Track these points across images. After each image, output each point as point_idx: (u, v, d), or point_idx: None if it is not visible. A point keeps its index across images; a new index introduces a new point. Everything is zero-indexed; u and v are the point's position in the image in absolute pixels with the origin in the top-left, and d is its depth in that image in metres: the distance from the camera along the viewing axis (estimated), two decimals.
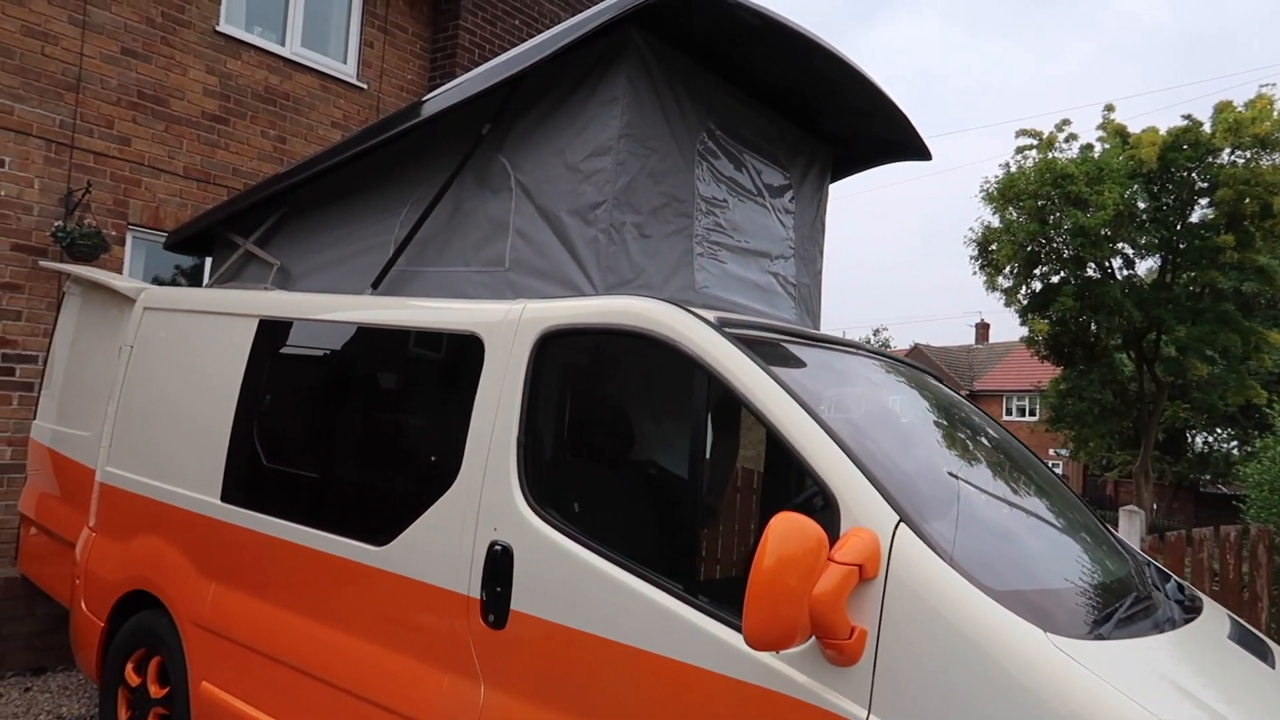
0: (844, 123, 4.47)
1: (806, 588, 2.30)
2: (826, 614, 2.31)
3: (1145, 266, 19.97)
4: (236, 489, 4.16)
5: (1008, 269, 19.67)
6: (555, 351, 3.28)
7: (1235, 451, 29.57)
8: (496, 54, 10.70)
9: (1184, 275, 18.50)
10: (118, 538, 4.77)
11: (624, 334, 3.08)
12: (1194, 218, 18.46)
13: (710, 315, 2.99)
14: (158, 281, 7.95)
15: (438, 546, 3.33)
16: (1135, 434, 21.17)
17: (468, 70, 10.38)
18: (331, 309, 4.01)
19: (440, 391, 3.59)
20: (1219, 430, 29.23)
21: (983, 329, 56.34)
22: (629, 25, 3.52)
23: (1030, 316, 19.69)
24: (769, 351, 2.94)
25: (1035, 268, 19.39)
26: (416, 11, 10.32)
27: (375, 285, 4.17)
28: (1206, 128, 17.83)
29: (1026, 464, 3.55)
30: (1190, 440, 30.56)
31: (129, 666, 4.59)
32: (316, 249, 4.57)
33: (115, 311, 5.27)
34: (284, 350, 4.18)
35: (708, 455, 2.75)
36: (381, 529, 3.52)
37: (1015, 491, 3.21)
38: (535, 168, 3.77)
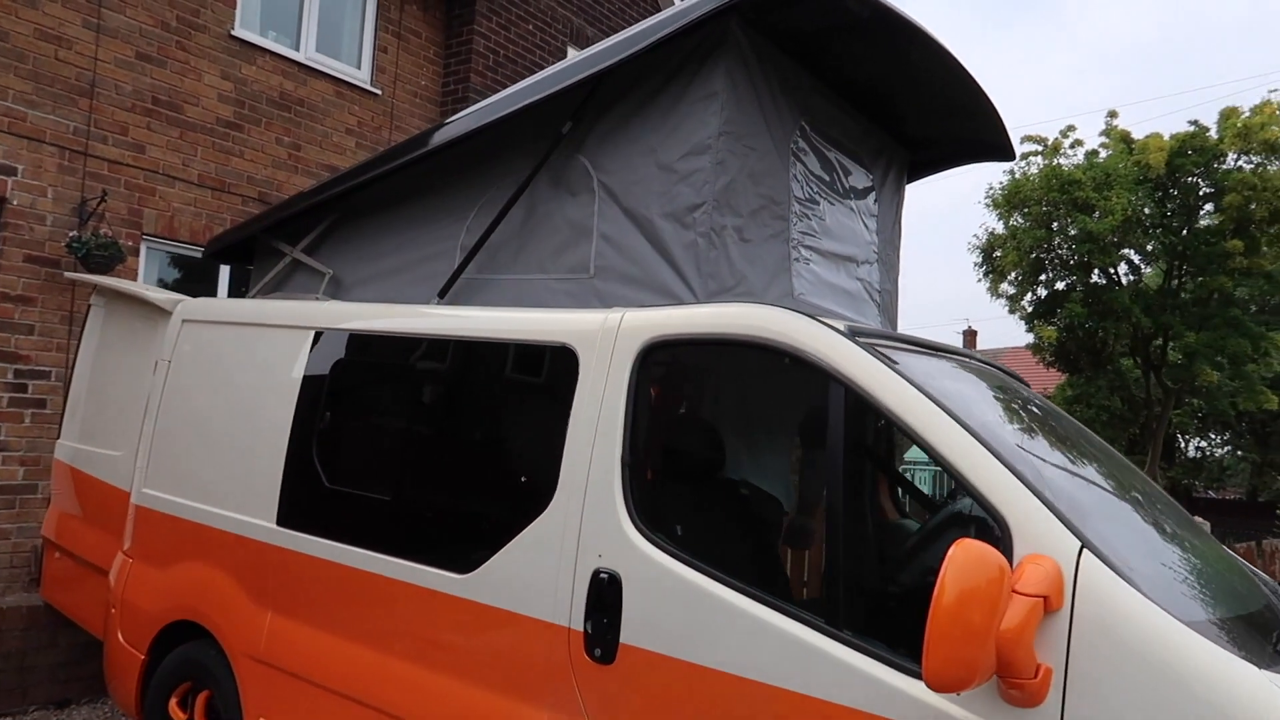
0: (927, 122, 4.29)
1: (991, 624, 2.10)
2: (1014, 652, 2.11)
3: (1150, 273, 19.95)
4: (295, 512, 3.93)
5: (1012, 275, 19.58)
6: (661, 363, 3.08)
7: (1229, 458, 29.64)
8: (511, 59, 10.51)
9: (1191, 281, 18.46)
10: (158, 564, 4.51)
11: (743, 344, 2.88)
12: (1200, 224, 18.44)
13: (840, 324, 2.80)
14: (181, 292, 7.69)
15: (531, 574, 3.11)
16: (1142, 440, 21.11)
17: (482, 76, 10.19)
18: (401, 319, 3.79)
19: (529, 408, 3.37)
20: (1212, 436, 29.28)
21: (970, 336, 56.47)
22: (729, 18, 3.33)
23: (1036, 323, 19.60)
24: (906, 363, 2.75)
25: (1040, 274, 19.31)
26: (430, 16, 10.12)
27: (442, 294, 3.95)
28: (1212, 134, 17.83)
29: (1146, 482, 3.37)
30: (1183, 446, 30.63)
31: (173, 701, 4.34)
32: (372, 257, 4.35)
33: (147, 325, 5.02)
34: (346, 364, 3.95)
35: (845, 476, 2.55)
36: (465, 555, 3.30)
37: (1154, 512, 3.02)
38: (621, 168, 3.57)
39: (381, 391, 3.86)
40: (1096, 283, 18.89)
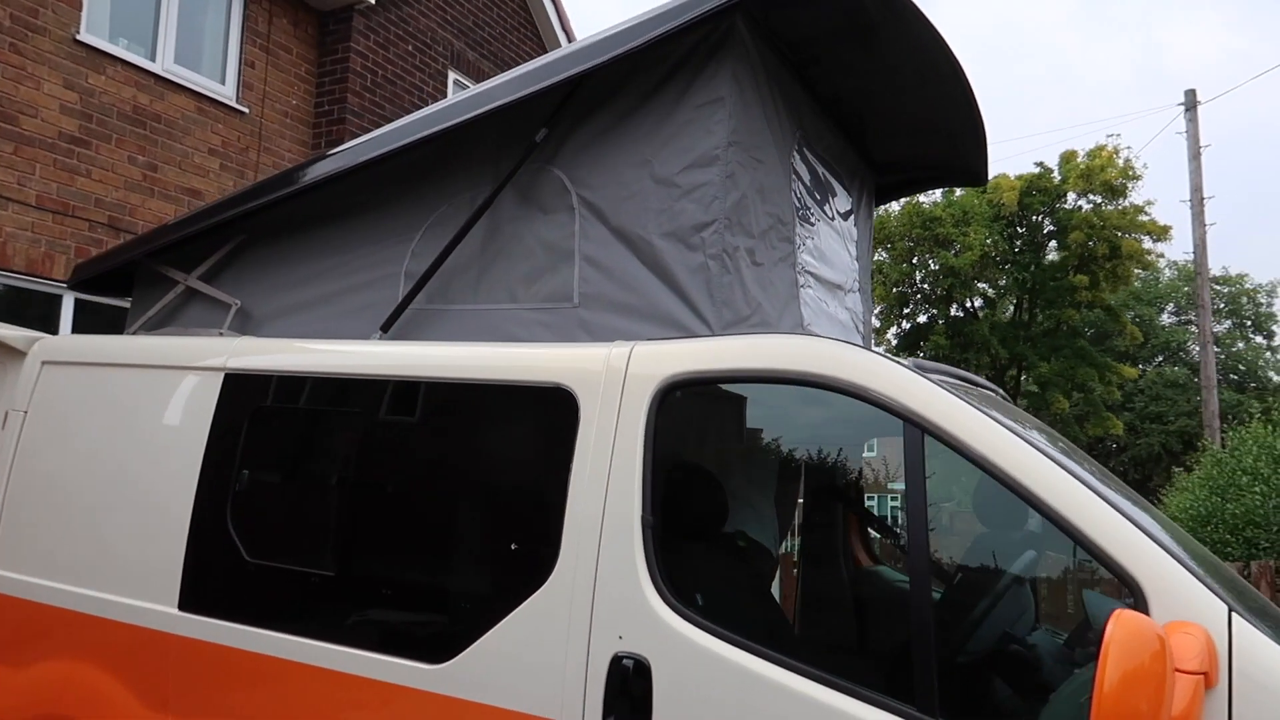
0: (900, 143, 4.07)
1: (1157, 709, 1.78)
2: None
3: (1001, 307, 20.98)
4: (203, 593, 3.24)
5: (878, 309, 20.17)
6: (683, 405, 2.65)
7: None
8: (390, 80, 9.89)
9: (1041, 313, 19.50)
10: (12, 662, 3.67)
11: (790, 382, 2.49)
12: (1047, 259, 19.55)
13: (905, 360, 2.45)
14: None
15: (529, 660, 2.60)
16: None
17: (359, 96, 9.53)
18: (345, 358, 3.20)
19: (516, 461, 2.86)
20: None
21: None
22: (733, 15, 2.97)
23: (902, 355, 20.23)
24: (986, 403, 2.42)
25: (905, 307, 19.96)
26: (301, 32, 9.40)
27: (386, 328, 3.38)
28: (1055, 175, 18.99)
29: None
30: None
31: None
32: (289, 285, 3.72)
33: None
34: (272, 412, 3.31)
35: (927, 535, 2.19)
36: (439, 640, 2.76)
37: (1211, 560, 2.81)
38: (607, 182, 3.14)
39: (321, 445, 3.24)
40: (956, 315, 19.68)
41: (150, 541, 3.37)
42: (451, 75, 10.88)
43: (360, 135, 9.52)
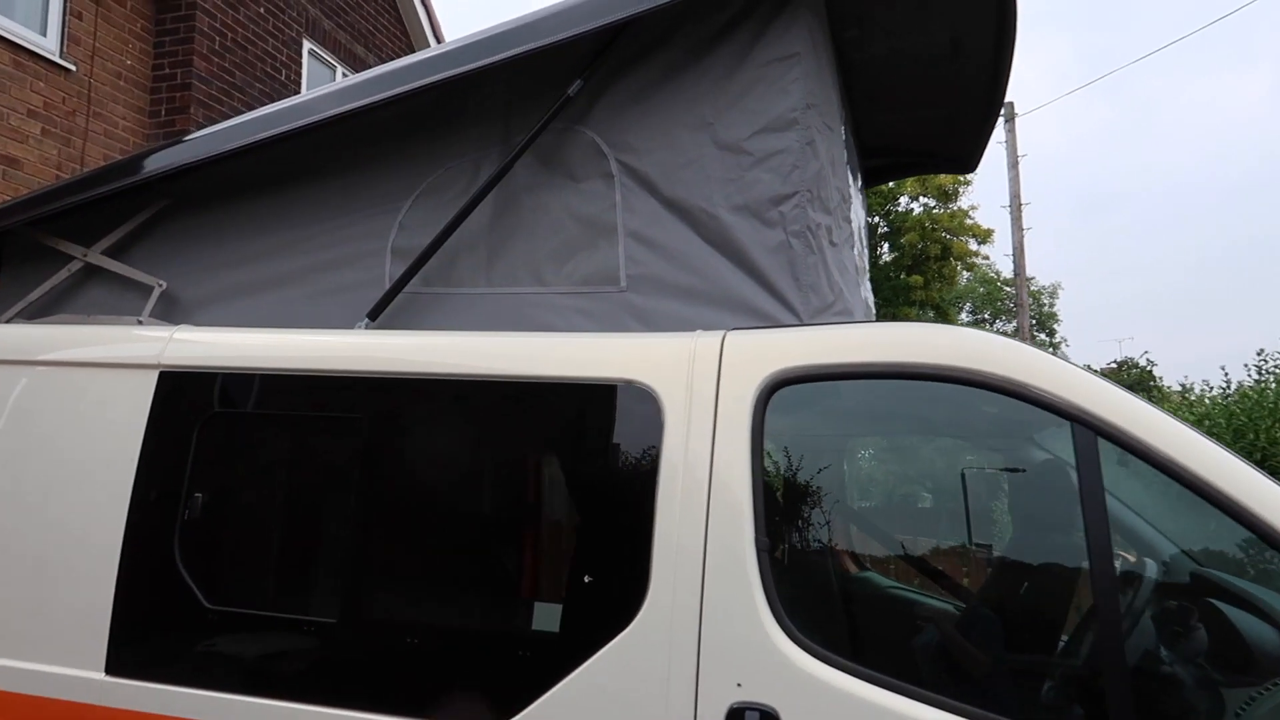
0: (896, 123, 3.84)
1: None
2: None
3: None
4: (143, 652, 2.56)
5: None
6: (793, 406, 2.27)
7: None
8: (240, 45, 8.87)
9: (878, 311, 20.28)
10: None
11: (924, 377, 2.16)
12: (883, 260, 20.34)
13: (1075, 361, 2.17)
14: None
15: (613, 718, 2.16)
16: None
17: (207, 60, 8.48)
18: (334, 352, 2.59)
19: (578, 474, 2.39)
20: None
21: None
22: None
23: None
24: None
25: None
26: None
27: (374, 316, 2.80)
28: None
29: None
30: None
31: None
32: (232, 263, 3.05)
33: None
34: (232, 420, 2.66)
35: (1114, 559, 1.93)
36: (489, 700, 2.26)
37: None
38: (657, 147, 2.71)
39: (310, 460, 2.62)
40: None
41: (61, 587, 2.65)
42: (306, 44, 9.93)
43: (208, 103, 8.50)
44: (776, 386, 2.26)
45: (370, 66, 11.05)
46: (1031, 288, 41.87)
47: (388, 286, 2.88)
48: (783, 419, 2.26)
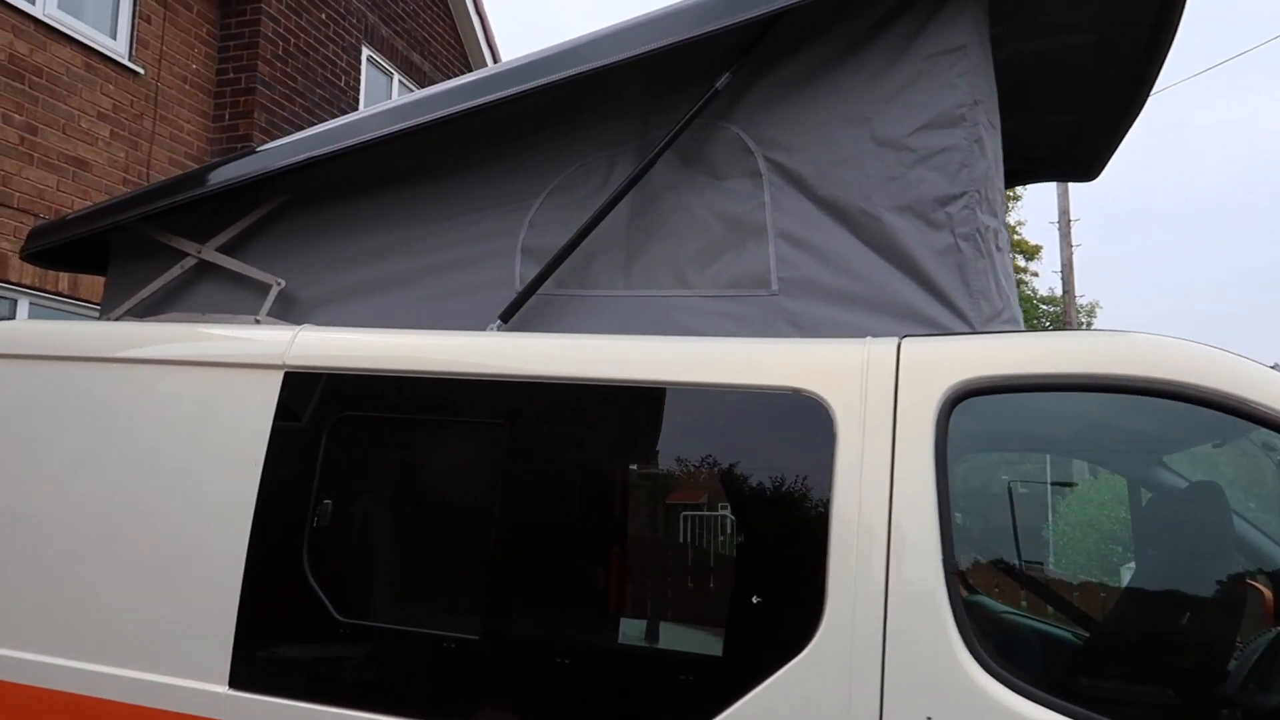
0: (1022, 127, 3.68)
1: None
2: None
3: None
4: (268, 666, 2.45)
5: None
6: (977, 419, 2.12)
7: None
8: (303, 50, 8.87)
9: None
10: None
11: (1128, 390, 2.01)
12: None
13: None
14: None
15: None
16: None
17: (270, 65, 8.47)
18: (476, 355, 2.48)
19: (743, 489, 2.25)
20: None
21: None
22: None
23: None
24: None
25: None
26: None
27: (506, 317, 2.69)
28: None
29: None
30: None
31: None
32: (351, 261, 2.95)
33: None
34: (364, 423, 2.55)
35: None
36: None
37: None
38: (809, 144, 2.58)
39: (451, 467, 2.50)
40: None
41: (181, 596, 2.54)
42: (365, 51, 9.93)
43: (270, 108, 8.49)
44: (960, 398, 2.11)
45: (425, 74, 11.05)
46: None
47: (519, 288, 2.77)
48: (967, 433, 2.12)
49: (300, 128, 8.69)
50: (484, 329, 2.68)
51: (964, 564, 2.02)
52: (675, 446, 2.32)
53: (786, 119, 2.63)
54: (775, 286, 2.55)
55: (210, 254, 3.05)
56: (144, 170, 7.60)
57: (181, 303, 3.12)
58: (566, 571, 2.32)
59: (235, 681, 2.46)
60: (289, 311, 2.98)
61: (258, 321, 2.93)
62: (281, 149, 2.91)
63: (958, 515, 2.07)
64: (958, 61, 2.48)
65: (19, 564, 2.73)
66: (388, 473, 2.54)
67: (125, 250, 3.21)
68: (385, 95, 10.18)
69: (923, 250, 2.43)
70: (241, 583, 2.51)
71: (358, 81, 9.76)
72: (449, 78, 11.47)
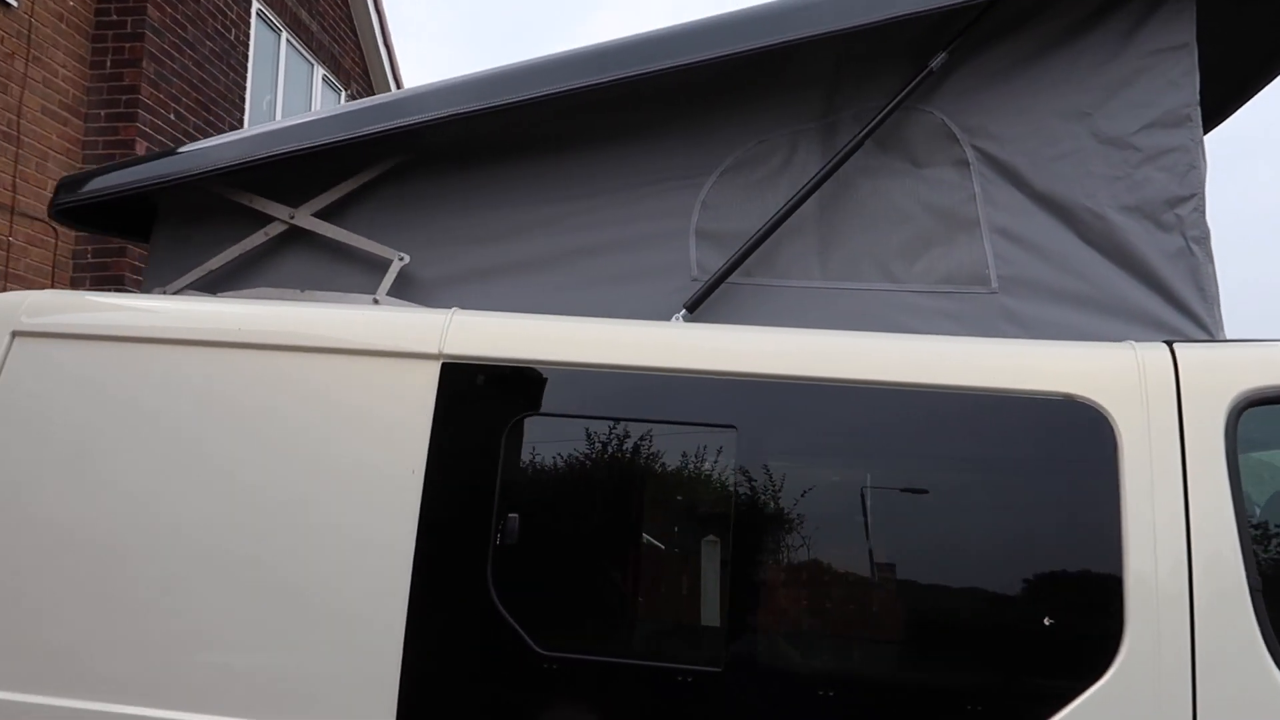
0: None
1: None
2: None
3: None
4: (448, 712, 2.11)
5: None
6: (1263, 428, 2.08)
7: None
8: None
9: None
10: None
11: None
12: None
13: None
14: None
15: None
16: None
17: (161, 10, 7.56)
18: (688, 347, 2.21)
19: (1018, 503, 2.11)
20: None
21: None
22: None
23: None
24: None
25: None
26: None
27: (692, 308, 2.43)
28: None
29: None
30: None
31: None
32: (480, 239, 2.58)
33: None
34: (551, 425, 2.23)
35: None
36: None
37: None
38: (1023, 135, 2.48)
39: (660, 474, 2.21)
40: None
41: (325, 632, 2.15)
42: (254, 4, 9.07)
43: (160, 57, 7.60)
44: (1245, 407, 2.06)
45: (313, 34, 10.23)
46: None
47: (695, 275, 2.51)
48: (1254, 444, 2.07)
49: (191, 82, 7.83)
50: (654, 319, 2.41)
51: (1268, 578, 1.97)
52: (934, 455, 2.14)
53: (995, 107, 2.51)
54: (995, 284, 2.42)
55: (306, 219, 2.60)
56: (14, 119, 6.61)
57: (258, 276, 2.64)
58: (823, 594, 2.11)
59: None
60: (409, 290, 2.58)
61: (375, 302, 2.52)
62: (407, 101, 2.51)
63: (1254, 527, 2.02)
64: (1183, 59, 2.43)
65: (90, 597, 2.23)
66: (586, 482, 2.22)
67: (181, 212, 2.69)
68: (274, 54, 9.35)
69: (1153, 252, 2.37)
70: (406, 615, 2.14)
71: (247, 35, 8.91)
72: (334, 39, 10.70)
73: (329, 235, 2.59)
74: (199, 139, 7.89)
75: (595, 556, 2.18)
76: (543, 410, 2.23)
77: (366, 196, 2.64)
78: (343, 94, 10.53)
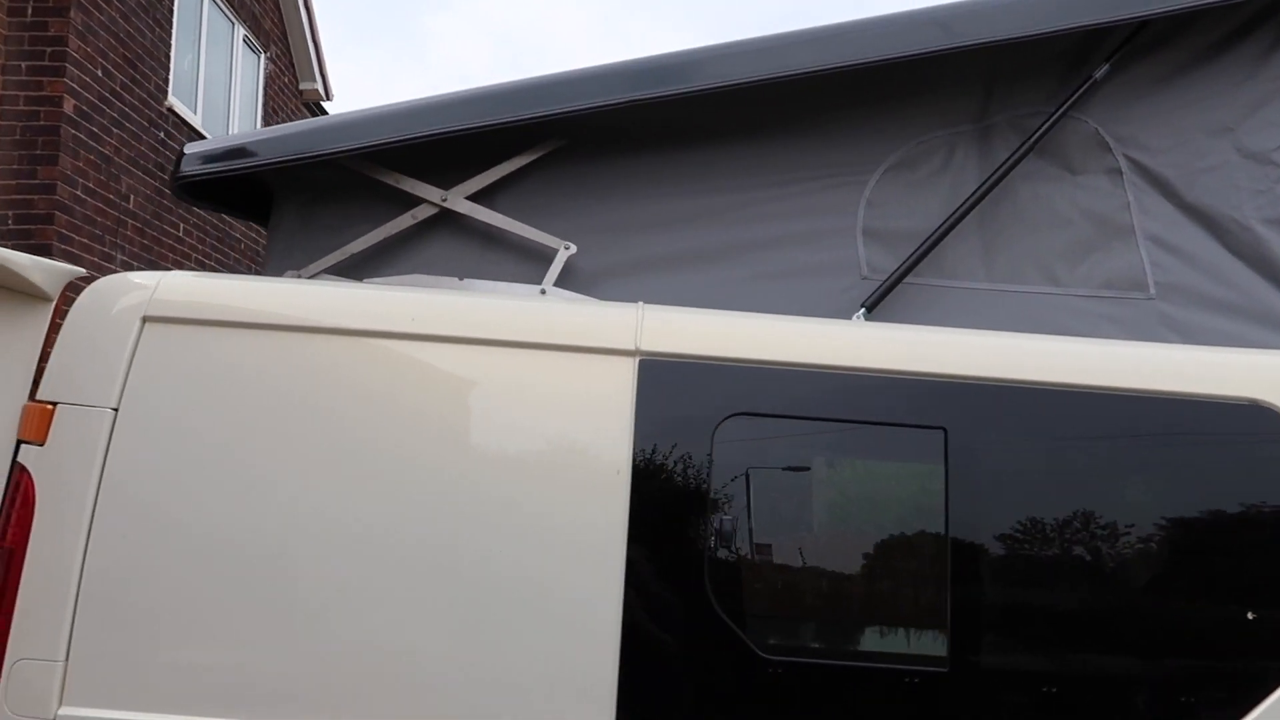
0: None
1: None
2: None
3: None
4: (671, 716, 2.08)
5: None
6: None
7: None
8: None
9: None
10: None
11: None
12: None
13: None
14: None
15: None
16: None
17: None
18: (897, 348, 2.22)
19: (1213, 503, 2.22)
20: None
21: None
22: None
23: None
24: None
25: None
26: None
27: (871, 306, 2.44)
28: None
29: None
30: None
31: None
32: (643, 228, 2.51)
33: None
34: (756, 425, 2.20)
35: None
36: None
37: None
38: (1173, 147, 2.60)
39: (880, 477, 2.21)
40: None
41: (529, 641, 2.08)
42: None
43: (89, 8, 7.00)
44: None
45: None
46: None
47: (864, 273, 2.52)
48: None
49: (118, 36, 7.25)
50: (828, 316, 2.41)
51: None
52: (1129, 458, 2.23)
53: (1145, 118, 2.61)
54: (1153, 290, 2.53)
55: (459, 203, 2.46)
56: None
57: (401, 260, 2.49)
58: (1041, 592, 2.16)
59: None
60: (571, 281, 2.49)
61: (543, 293, 2.42)
62: (578, 83, 2.41)
63: None
64: None
65: (250, 606, 2.08)
66: (800, 483, 2.21)
67: (307, 191, 2.50)
68: (196, 10, 8.74)
69: None
70: (621, 619, 2.08)
71: None
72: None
73: (486, 220, 2.46)
74: (126, 99, 7.33)
75: (815, 561, 2.17)
76: (751, 410, 2.20)
77: (518, 181, 2.52)
78: (262, 56, 9.98)
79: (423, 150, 2.43)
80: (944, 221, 2.48)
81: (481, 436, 2.15)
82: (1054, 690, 2.10)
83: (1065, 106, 2.54)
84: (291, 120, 10.61)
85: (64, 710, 2.06)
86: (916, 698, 2.08)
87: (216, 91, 9.04)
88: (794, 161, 2.58)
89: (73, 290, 2.44)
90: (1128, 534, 2.22)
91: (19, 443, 2.21)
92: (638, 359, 2.21)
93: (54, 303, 2.33)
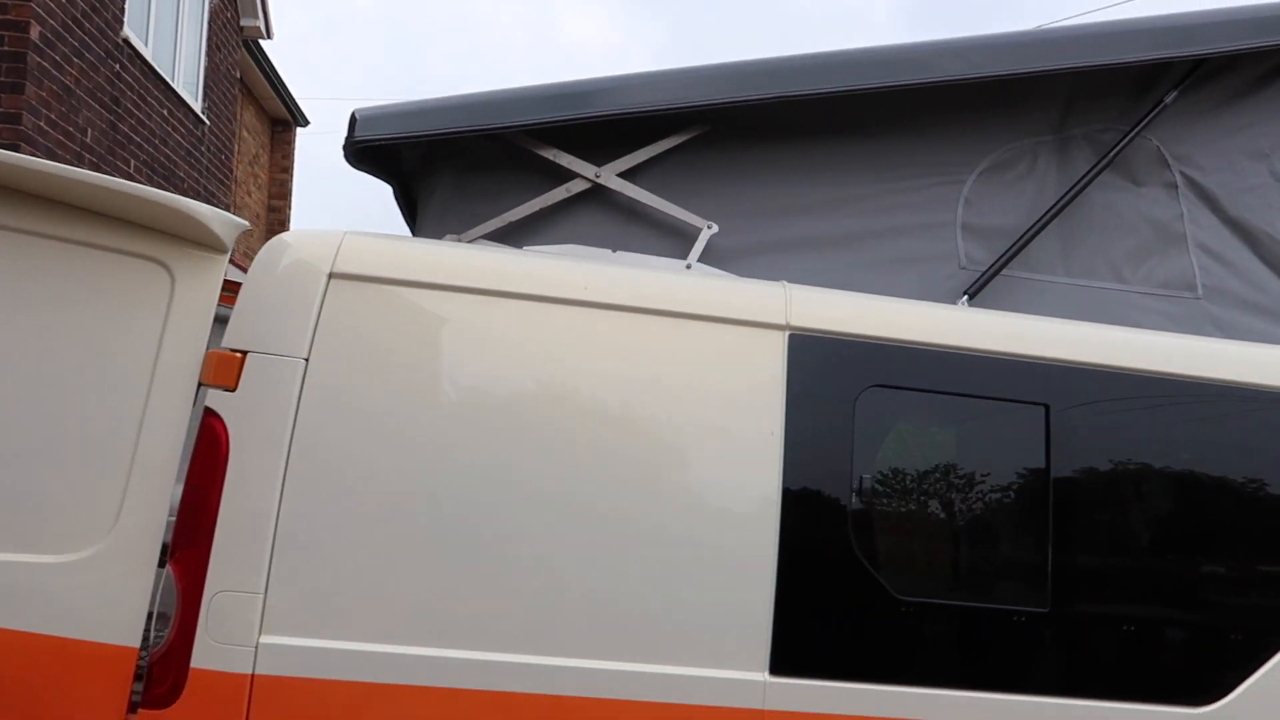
0: None
1: None
2: None
3: None
4: (818, 652, 2.38)
5: None
6: None
7: None
8: None
9: None
10: None
11: None
12: None
13: None
14: None
15: None
16: None
17: None
18: (1016, 333, 2.54)
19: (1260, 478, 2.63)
20: None
21: None
22: None
23: None
24: None
25: None
26: None
27: (972, 295, 2.77)
28: None
29: None
30: None
31: None
32: (775, 213, 2.75)
33: (150, 283, 2.40)
34: (891, 396, 2.50)
35: None
36: (1198, 683, 2.51)
37: None
38: (1221, 167, 2.99)
39: (995, 443, 2.53)
40: None
41: (696, 583, 2.34)
42: None
43: None
44: None
45: None
46: None
47: (964, 264, 2.83)
48: None
49: (75, 18, 6.92)
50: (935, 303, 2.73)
51: None
52: (1213, 441, 2.60)
53: (1199, 140, 3.00)
54: (1200, 292, 2.93)
55: (611, 179, 2.65)
56: None
57: (553, 231, 2.67)
58: (1121, 547, 2.53)
59: (777, 668, 2.34)
60: (708, 259, 2.72)
61: (688, 267, 2.64)
62: (722, 77, 2.63)
63: None
64: None
65: (440, 549, 2.27)
66: (930, 450, 2.52)
67: (465, 160, 2.64)
68: None
69: None
70: (777, 565, 2.36)
71: None
72: None
73: (635, 197, 2.66)
74: (86, 27, 7.04)
75: (938, 517, 2.49)
76: (888, 382, 2.49)
77: (661, 161, 2.73)
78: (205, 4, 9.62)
79: (579, 128, 2.61)
80: (1037, 220, 2.82)
81: (647, 399, 2.37)
82: (1132, 629, 2.50)
83: (1140, 126, 2.90)
84: (231, 57, 10.29)
85: (265, 639, 2.21)
86: (1021, 633, 2.44)
87: (165, 23, 8.72)
88: (905, 160, 2.87)
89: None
90: (1200, 502, 2.62)
91: (201, 386, 2.33)
92: (788, 333, 2.47)
93: (229, 254, 2.43)
